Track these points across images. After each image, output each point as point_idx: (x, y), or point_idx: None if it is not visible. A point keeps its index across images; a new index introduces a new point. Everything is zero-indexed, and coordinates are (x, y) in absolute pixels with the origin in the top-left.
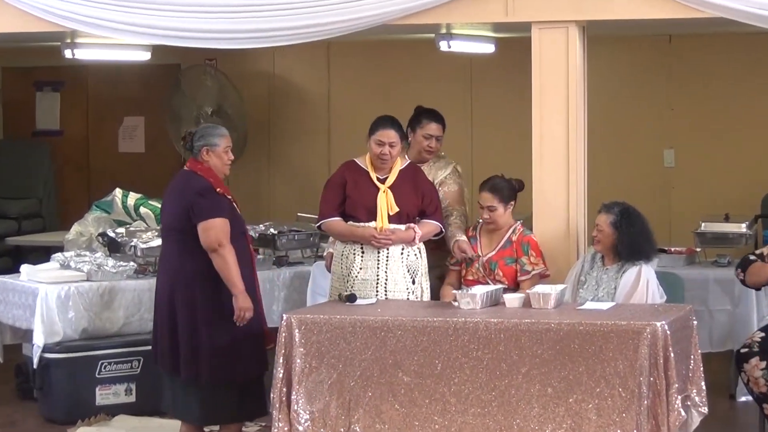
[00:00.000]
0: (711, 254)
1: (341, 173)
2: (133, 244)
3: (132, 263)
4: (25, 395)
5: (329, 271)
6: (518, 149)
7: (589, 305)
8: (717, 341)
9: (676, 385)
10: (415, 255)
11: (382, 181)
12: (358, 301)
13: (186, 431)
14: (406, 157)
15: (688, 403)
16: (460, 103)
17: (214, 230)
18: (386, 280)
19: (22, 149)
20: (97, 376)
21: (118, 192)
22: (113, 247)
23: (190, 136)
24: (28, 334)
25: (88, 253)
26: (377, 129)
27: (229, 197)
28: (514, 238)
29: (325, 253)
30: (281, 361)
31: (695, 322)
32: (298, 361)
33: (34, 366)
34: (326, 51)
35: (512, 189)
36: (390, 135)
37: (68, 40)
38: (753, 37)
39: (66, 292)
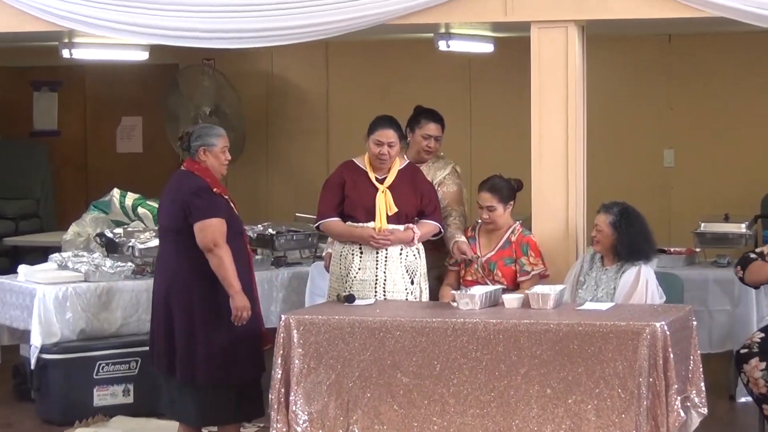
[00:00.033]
0: (710, 254)
1: (340, 173)
2: (130, 244)
3: (130, 264)
4: (23, 396)
5: (328, 271)
6: (517, 149)
7: (589, 306)
8: (716, 342)
9: (676, 386)
10: (414, 255)
11: (381, 182)
12: (357, 302)
13: None
14: (405, 157)
15: (688, 404)
16: (458, 102)
17: (210, 230)
18: (385, 280)
19: (19, 149)
20: (94, 377)
21: (115, 192)
22: (111, 248)
23: (187, 136)
24: (25, 335)
25: (85, 253)
26: (376, 129)
27: (226, 197)
28: (513, 239)
29: (323, 254)
30: (279, 361)
31: (695, 323)
32: (297, 361)
33: (32, 367)
34: (325, 51)
35: (511, 189)
36: (389, 135)
37: (66, 40)
38: (753, 37)
39: (63, 293)
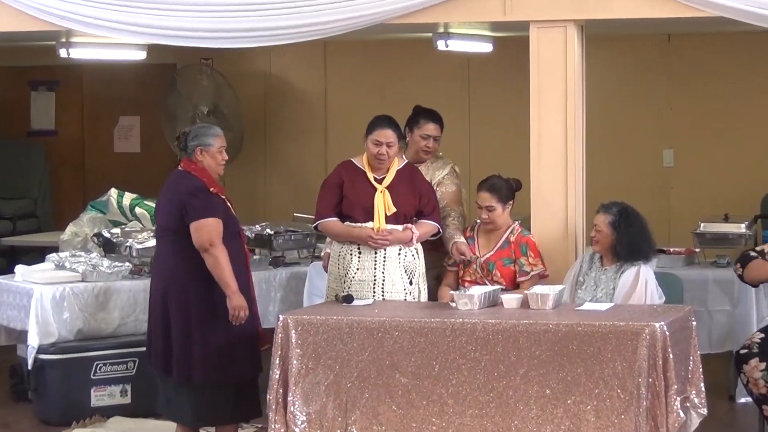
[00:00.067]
0: (710, 255)
1: (338, 173)
2: (128, 244)
3: (127, 264)
4: (20, 397)
5: (326, 271)
6: (516, 149)
7: (588, 306)
8: (716, 342)
9: (675, 387)
10: (413, 255)
11: (380, 182)
12: (355, 302)
13: None
14: (404, 157)
15: (687, 404)
16: (457, 102)
17: (206, 230)
18: (383, 280)
19: (16, 149)
20: (92, 377)
21: (113, 192)
22: (108, 248)
23: (184, 136)
24: (22, 335)
25: (83, 253)
26: (374, 129)
27: (223, 197)
28: (512, 239)
29: (322, 254)
30: (278, 362)
31: (694, 323)
32: (295, 362)
33: (29, 367)
34: (323, 50)
35: (510, 189)
36: (387, 135)
37: (63, 40)
38: (753, 37)
39: (61, 293)
